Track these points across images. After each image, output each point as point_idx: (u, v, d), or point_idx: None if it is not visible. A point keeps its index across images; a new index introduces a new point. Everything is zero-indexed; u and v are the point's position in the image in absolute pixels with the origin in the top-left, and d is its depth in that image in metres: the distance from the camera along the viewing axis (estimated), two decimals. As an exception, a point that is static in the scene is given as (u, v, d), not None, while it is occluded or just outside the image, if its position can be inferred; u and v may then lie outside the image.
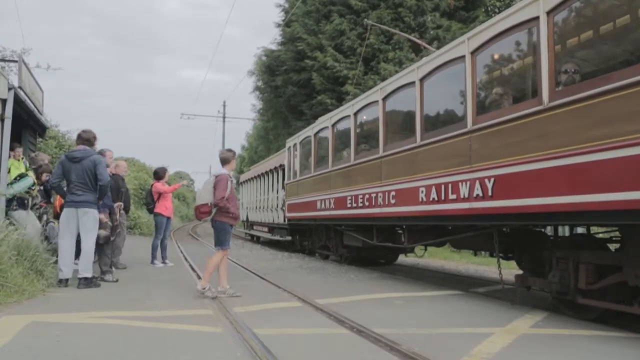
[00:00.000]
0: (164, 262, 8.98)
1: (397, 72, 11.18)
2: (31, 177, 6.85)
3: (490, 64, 5.58)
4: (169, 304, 5.08)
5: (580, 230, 6.04)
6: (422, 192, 6.21)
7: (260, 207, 17.61)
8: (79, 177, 5.87)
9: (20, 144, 7.98)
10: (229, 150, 6.01)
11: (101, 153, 7.11)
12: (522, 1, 4.79)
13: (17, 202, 6.61)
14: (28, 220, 6.60)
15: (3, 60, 12.79)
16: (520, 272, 5.66)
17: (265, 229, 16.67)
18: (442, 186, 5.79)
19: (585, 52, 4.68)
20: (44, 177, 7.43)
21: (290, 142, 12.60)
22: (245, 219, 20.93)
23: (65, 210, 6.01)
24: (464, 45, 5.58)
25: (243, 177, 23.07)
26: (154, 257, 9.02)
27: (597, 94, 3.90)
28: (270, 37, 63.84)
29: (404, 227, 7.54)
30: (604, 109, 3.86)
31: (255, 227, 18.91)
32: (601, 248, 4.91)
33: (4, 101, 6.74)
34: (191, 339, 3.66)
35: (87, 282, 5.82)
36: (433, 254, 11.95)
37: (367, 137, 8.49)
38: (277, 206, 14.52)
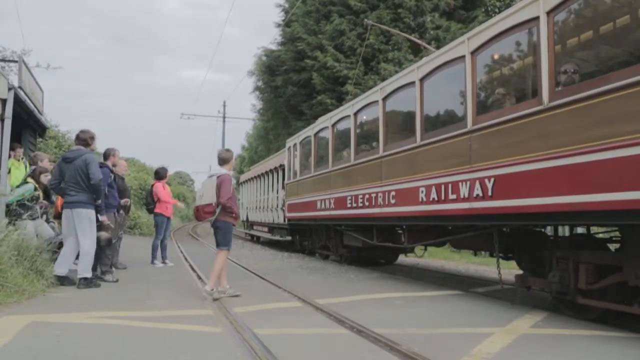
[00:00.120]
0: (164, 262, 8.99)
1: (397, 72, 11.20)
2: (31, 183, 6.78)
3: (490, 64, 5.58)
4: (169, 304, 5.09)
5: (580, 230, 6.05)
6: (422, 192, 6.21)
7: (260, 207, 17.61)
8: (71, 177, 5.88)
9: (21, 144, 7.99)
10: (228, 150, 6.07)
11: (108, 153, 7.12)
12: (522, 1, 4.80)
13: (23, 209, 6.48)
14: (40, 230, 6.58)
15: (3, 60, 12.76)
16: (520, 272, 5.67)
17: (265, 229, 16.66)
18: (442, 186, 5.79)
19: (585, 52, 4.68)
20: (43, 178, 7.42)
21: (290, 142, 12.60)
22: (245, 219, 20.93)
23: (63, 212, 6.06)
24: (464, 45, 5.59)
25: (243, 177, 23.07)
26: (154, 257, 9.03)
27: (597, 94, 3.91)
28: (270, 37, 63.85)
29: (404, 227, 7.55)
30: (603, 109, 3.86)
31: (255, 227, 18.91)
32: (601, 248, 4.91)
33: (4, 101, 6.74)
34: (191, 339, 3.66)
35: (87, 282, 5.82)
36: (433, 254, 11.94)
37: (367, 137, 8.49)
38: (277, 206, 14.52)
